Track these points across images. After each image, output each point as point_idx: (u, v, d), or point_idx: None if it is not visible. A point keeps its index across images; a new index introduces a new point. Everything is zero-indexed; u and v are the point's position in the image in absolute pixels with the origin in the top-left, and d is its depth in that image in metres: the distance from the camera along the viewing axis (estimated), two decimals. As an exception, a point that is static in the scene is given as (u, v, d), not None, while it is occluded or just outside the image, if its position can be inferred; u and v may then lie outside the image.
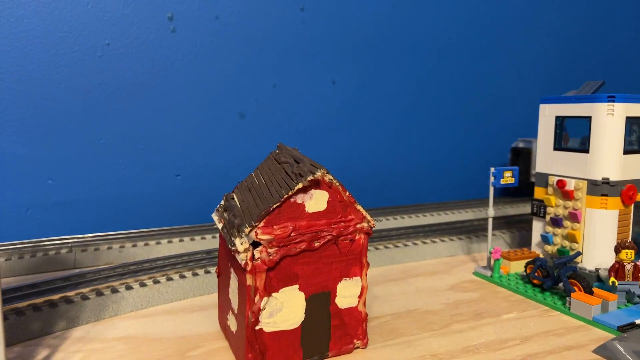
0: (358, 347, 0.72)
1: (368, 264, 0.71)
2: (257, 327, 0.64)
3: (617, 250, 0.87)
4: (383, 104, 1.66)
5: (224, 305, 0.76)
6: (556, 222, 1.02)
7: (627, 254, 0.85)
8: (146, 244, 1.20)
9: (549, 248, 1.04)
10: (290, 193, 0.63)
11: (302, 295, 0.66)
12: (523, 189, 1.53)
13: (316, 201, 0.65)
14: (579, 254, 0.96)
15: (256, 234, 0.62)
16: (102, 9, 1.30)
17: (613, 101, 0.93)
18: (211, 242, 1.23)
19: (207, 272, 0.99)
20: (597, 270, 0.94)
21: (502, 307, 0.89)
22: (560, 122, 1.04)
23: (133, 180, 1.37)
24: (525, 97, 1.79)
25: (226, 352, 0.72)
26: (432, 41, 1.71)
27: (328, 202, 0.66)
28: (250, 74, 1.47)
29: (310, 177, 0.63)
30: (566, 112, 1.02)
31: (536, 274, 0.95)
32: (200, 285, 0.96)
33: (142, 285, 0.92)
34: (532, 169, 1.57)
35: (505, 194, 1.76)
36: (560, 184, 1.00)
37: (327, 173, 0.65)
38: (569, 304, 0.85)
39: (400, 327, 0.80)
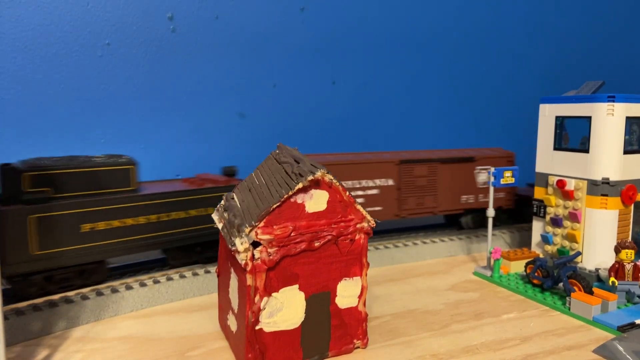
0: (358, 347, 0.72)
1: (368, 264, 0.71)
2: (257, 327, 0.64)
3: (617, 250, 0.87)
4: (383, 104, 1.66)
5: (224, 305, 0.76)
6: (556, 222, 1.02)
7: (627, 254, 0.86)
8: (146, 244, 1.20)
9: (549, 248, 1.04)
10: (290, 193, 0.63)
11: (302, 295, 0.66)
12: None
13: (316, 201, 0.65)
14: (578, 254, 0.96)
15: (256, 234, 0.62)
16: (102, 9, 1.30)
17: (613, 101, 0.93)
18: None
19: (207, 272, 0.99)
20: (597, 270, 0.94)
21: (502, 307, 0.89)
22: (560, 122, 1.04)
23: (133, 180, 1.37)
24: (524, 97, 1.78)
25: (226, 352, 0.72)
26: (432, 41, 1.71)
27: (328, 202, 0.66)
28: (250, 74, 1.47)
29: (310, 177, 0.63)
30: (566, 112, 1.02)
31: (536, 274, 0.95)
32: (200, 285, 0.96)
33: (142, 285, 0.92)
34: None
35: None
36: (560, 184, 1.00)
37: (327, 173, 0.65)
38: (569, 304, 0.85)
39: (400, 327, 0.80)
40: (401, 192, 1.23)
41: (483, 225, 1.33)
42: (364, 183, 1.19)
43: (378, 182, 1.21)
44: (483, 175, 1.33)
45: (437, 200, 1.28)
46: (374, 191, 1.21)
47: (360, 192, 1.19)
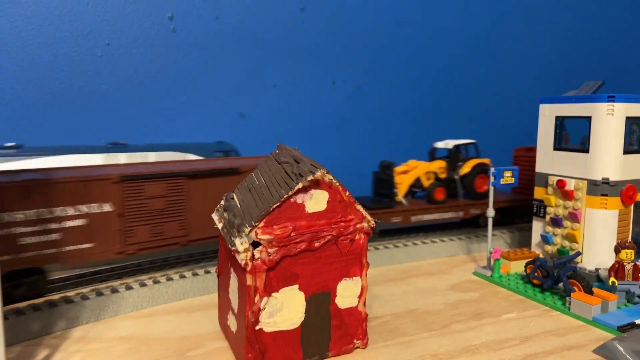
0: (358, 347, 0.72)
1: (368, 264, 0.71)
2: (257, 327, 0.64)
3: (617, 250, 0.87)
4: (383, 104, 1.66)
5: (224, 305, 0.76)
6: (556, 222, 1.02)
7: (627, 254, 0.85)
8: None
9: (549, 248, 1.04)
10: (290, 193, 0.63)
11: (302, 295, 0.66)
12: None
13: (316, 201, 0.65)
14: (578, 254, 0.96)
15: (256, 234, 0.62)
16: (102, 9, 1.30)
17: (613, 101, 0.93)
18: (211, 243, 1.23)
19: (207, 272, 0.99)
20: (597, 270, 0.94)
21: (502, 307, 0.89)
22: (560, 122, 1.04)
23: (133, 180, 1.37)
24: (525, 97, 1.78)
25: (226, 352, 0.72)
26: (431, 41, 1.71)
27: (328, 202, 0.66)
28: (250, 74, 1.47)
29: (310, 177, 0.63)
30: (566, 112, 1.02)
31: (536, 274, 0.95)
32: (200, 285, 0.96)
33: (142, 285, 0.92)
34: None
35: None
36: (560, 184, 1.00)
37: (327, 173, 0.65)
38: (569, 304, 0.85)
39: (400, 327, 0.80)
40: (125, 220, 0.93)
41: None
42: (58, 212, 0.87)
43: (85, 208, 0.90)
44: None
45: (187, 227, 1.01)
46: (79, 222, 0.89)
47: (53, 225, 0.87)
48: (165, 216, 0.98)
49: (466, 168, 1.37)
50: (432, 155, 1.43)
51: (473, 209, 1.34)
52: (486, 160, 1.39)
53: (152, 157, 1.17)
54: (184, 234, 1.00)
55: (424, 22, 1.68)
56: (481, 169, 1.37)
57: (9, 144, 1.11)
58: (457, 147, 1.40)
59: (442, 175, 1.37)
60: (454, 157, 1.39)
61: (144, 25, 1.34)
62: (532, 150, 1.43)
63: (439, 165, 1.37)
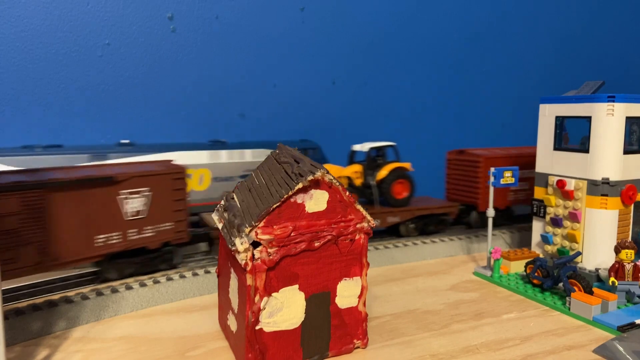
0: (358, 347, 0.72)
1: (368, 264, 0.71)
2: (257, 327, 0.64)
3: (617, 250, 0.87)
4: (383, 104, 1.66)
5: (224, 305, 0.76)
6: (556, 222, 1.02)
7: (627, 254, 0.85)
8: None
9: (549, 248, 1.04)
10: (290, 193, 0.63)
11: (302, 295, 0.66)
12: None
13: (316, 201, 0.65)
14: (578, 254, 0.96)
15: (256, 234, 0.62)
16: (102, 9, 1.30)
17: (613, 101, 0.93)
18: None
19: (207, 272, 0.99)
20: (597, 270, 0.94)
21: (502, 307, 0.89)
22: (560, 122, 1.04)
23: (133, 180, 1.37)
24: (525, 97, 1.78)
25: (226, 352, 0.72)
26: (431, 41, 1.71)
27: (328, 202, 0.66)
28: (250, 74, 1.47)
29: (310, 177, 0.63)
30: (566, 112, 1.02)
31: (536, 274, 0.95)
32: (200, 285, 0.96)
33: (142, 285, 0.92)
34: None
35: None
36: (560, 184, 1.00)
37: (327, 173, 0.65)
38: (569, 304, 0.85)
39: (400, 327, 0.80)
40: None
41: (137, 273, 0.98)
42: None
43: None
44: (135, 202, 0.93)
45: (49, 250, 0.84)
46: None
47: None
48: (20, 238, 0.79)
49: (383, 172, 1.26)
50: (351, 158, 1.32)
51: (391, 216, 1.24)
52: (406, 165, 1.29)
53: (248, 154, 1.23)
54: (43, 259, 0.84)
55: (424, 22, 1.68)
56: (400, 174, 1.27)
57: (124, 141, 1.20)
58: (374, 149, 1.28)
59: (358, 181, 1.27)
60: (370, 160, 1.29)
61: (144, 25, 1.34)
62: (463, 152, 1.40)
63: (354, 170, 1.27)
